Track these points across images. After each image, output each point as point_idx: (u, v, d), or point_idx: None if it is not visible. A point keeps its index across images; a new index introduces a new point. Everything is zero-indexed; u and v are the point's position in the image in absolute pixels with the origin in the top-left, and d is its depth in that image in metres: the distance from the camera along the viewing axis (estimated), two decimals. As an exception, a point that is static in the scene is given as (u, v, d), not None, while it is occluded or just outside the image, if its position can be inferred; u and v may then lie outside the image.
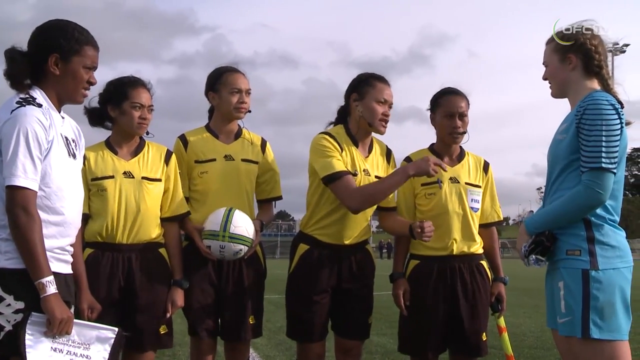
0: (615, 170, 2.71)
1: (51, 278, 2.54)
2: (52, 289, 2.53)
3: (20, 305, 2.50)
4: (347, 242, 3.69)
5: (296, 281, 3.75)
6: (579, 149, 2.75)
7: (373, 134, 3.81)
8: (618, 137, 2.71)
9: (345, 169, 3.56)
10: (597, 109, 2.72)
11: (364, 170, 3.68)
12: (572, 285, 2.73)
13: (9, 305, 2.49)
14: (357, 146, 3.73)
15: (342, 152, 3.64)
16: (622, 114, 2.76)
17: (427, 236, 3.48)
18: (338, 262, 3.69)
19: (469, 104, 3.79)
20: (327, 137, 3.66)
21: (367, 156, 3.76)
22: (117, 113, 3.55)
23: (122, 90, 3.54)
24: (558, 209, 2.80)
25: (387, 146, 3.90)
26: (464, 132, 3.76)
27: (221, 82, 3.81)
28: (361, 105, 3.69)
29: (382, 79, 3.75)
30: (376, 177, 3.71)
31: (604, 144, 2.68)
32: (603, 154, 2.68)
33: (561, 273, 2.79)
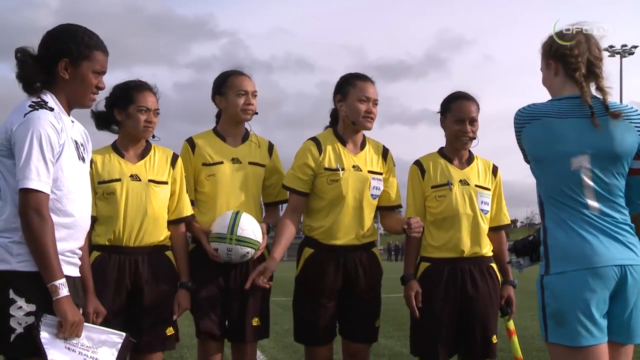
0: None
1: (63, 280, 2.55)
2: (64, 291, 2.54)
3: (32, 307, 2.51)
4: (350, 242, 3.70)
5: (303, 285, 3.77)
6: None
7: (366, 134, 3.88)
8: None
9: (301, 189, 3.72)
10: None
11: (353, 166, 3.74)
12: (538, 291, 2.74)
13: (21, 307, 2.50)
14: (344, 144, 3.78)
15: (322, 153, 3.72)
16: (522, 126, 2.74)
17: (415, 232, 3.51)
18: (343, 264, 3.70)
19: (479, 109, 3.79)
20: (310, 145, 3.75)
21: (359, 153, 3.80)
22: (124, 116, 3.57)
23: (128, 94, 3.55)
24: None
25: (383, 146, 3.93)
26: (474, 138, 3.77)
27: (227, 85, 3.83)
28: (345, 105, 3.76)
29: (363, 78, 3.80)
30: (369, 171, 3.76)
31: None
32: None
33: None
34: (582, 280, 2.62)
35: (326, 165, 3.71)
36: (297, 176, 3.72)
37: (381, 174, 3.83)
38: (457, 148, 3.80)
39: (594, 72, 2.79)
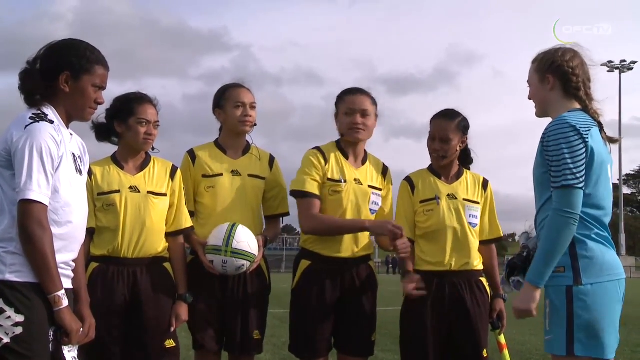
0: (580, 186, 2.72)
1: (64, 291, 2.58)
2: (65, 301, 2.58)
3: (20, 318, 2.50)
4: (347, 255, 3.69)
5: (299, 297, 3.76)
6: (547, 170, 2.81)
7: (368, 150, 3.90)
8: (582, 156, 2.74)
9: (314, 192, 3.66)
10: (558, 131, 2.77)
11: (355, 180, 3.74)
12: (557, 302, 2.74)
13: (9, 317, 2.49)
14: (347, 158, 3.80)
15: (327, 163, 3.72)
16: (586, 134, 2.77)
17: (403, 252, 3.54)
18: (340, 276, 3.69)
19: (458, 129, 3.76)
20: (315, 152, 3.76)
21: (360, 167, 3.81)
22: (124, 129, 3.58)
23: (129, 106, 3.58)
24: (546, 247, 2.77)
25: (383, 163, 3.94)
26: (444, 157, 3.76)
27: (225, 98, 3.86)
28: (337, 120, 3.82)
29: (351, 91, 3.83)
30: (369, 186, 3.76)
31: (568, 161, 2.72)
32: (565, 172, 2.72)
33: (548, 291, 2.80)
34: (614, 291, 2.73)
35: (329, 176, 3.71)
36: (311, 179, 3.67)
37: (380, 189, 3.83)
38: (434, 165, 3.83)
39: (588, 95, 2.94)
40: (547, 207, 2.83)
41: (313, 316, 3.68)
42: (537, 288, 2.77)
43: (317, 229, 3.67)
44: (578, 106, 2.93)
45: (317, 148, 3.80)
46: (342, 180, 3.70)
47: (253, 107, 3.87)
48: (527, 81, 3.10)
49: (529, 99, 3.10)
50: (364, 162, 3.84)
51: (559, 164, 2.73)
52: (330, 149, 3.81)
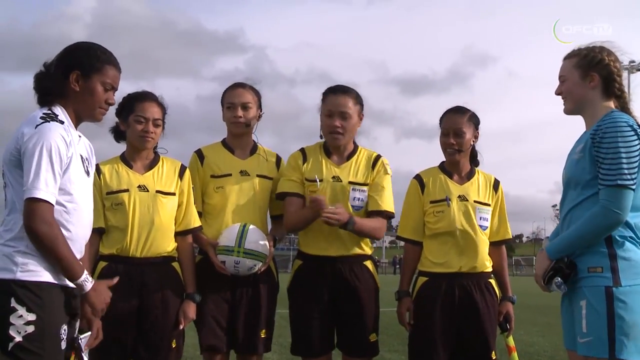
0: (633, 187, 2.69)
1: (85, 274, 2.67)
2: (89, 284, 2.68)
3: (32, 317, 2.53)
4: (334, 253, 3.66)
5: (292, 296, 3.78)
6: (596, 168, 2.76)
7: (376, 149, 3.86)
8: (637, 156, 2.71)
9: (292, 191, 3.71)
10: (615, 128, 2.73)
11: (332, 177, 3.69)
12: (596, 303, 2.70)
13: (21, 316, 2.51)
14: (329, 156, 3.77)
15: (305, 163, 3.75)
16: None
17: (322, 214, 3.48)
18: (331, 276, 3.66)
19: (471, 123, 3.76)
20: (296, 154, 3.81)
21: (343, 163, 3.75)
22: (125, 127, 3.61)
23: (130, 104, 3.60)
24: (578, 232, 2.79)
25: (376, 154, 3.81)
26: (460, 150, 3.73)
27: (223, 99, 3.89)
28: (320, 119, 3.79)
29: (333, 90, 3.77)
30: (350, 182, 3.69)
31: (623, 161, 2.69)
32: (621, 171, 2.68)
33: (583, 292, 2.76)
34: None
35: (307, 176, 3.72)
36: (288, 180, 3.73)
37: (366, 184, 3.73)
38: (449, 161, 3.79)
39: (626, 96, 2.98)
40: (584, 206, 2.81)
41: (304, 315, 3.69)
42: (548, 259, 2.88)
43: (290, 225, 3.77)
44: (613, 106, 2.91)
45: (301, 149, 3.83)
46: (317, 180, 3.67)
47: (245, 108, 3.83)
48: (560, 76, 3.04)
49: (558, 94, 3.04)
50: (349, 158, 3.77)
51: (614, 161, 2.69)
52: (312, 149, 3.83)
